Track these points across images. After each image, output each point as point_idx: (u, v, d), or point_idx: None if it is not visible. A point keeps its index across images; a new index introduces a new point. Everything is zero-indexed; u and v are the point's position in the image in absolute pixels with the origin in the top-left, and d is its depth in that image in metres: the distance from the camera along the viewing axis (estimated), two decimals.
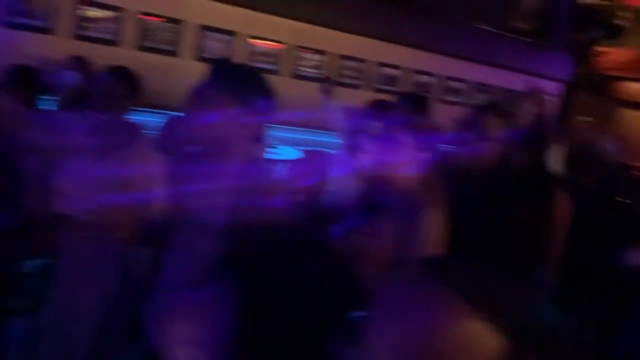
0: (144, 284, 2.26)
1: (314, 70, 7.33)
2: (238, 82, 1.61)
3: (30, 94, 2.77)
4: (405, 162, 1.76)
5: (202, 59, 6.33)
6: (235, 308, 0.80)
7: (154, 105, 3.03)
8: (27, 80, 2.77)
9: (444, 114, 4.31)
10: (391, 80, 8.02)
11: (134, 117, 2.35)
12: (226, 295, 0.82)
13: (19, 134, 2.59)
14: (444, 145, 2.97)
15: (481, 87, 9.01)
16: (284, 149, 4.76)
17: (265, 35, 6.93)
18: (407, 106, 3.41)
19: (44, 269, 3.05)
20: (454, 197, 1.71)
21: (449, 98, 8.59)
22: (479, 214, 1.96)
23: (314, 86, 7.38)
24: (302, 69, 7.27)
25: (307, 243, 0.99)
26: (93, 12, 5.93)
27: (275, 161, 3.64)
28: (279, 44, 7.05)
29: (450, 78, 8.69)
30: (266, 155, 1.89)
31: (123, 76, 2.33)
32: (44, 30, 5.66)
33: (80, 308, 2.26)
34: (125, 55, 5.63)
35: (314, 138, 5.62)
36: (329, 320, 0.81)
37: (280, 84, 1.67)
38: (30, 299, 2.99)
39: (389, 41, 7.75)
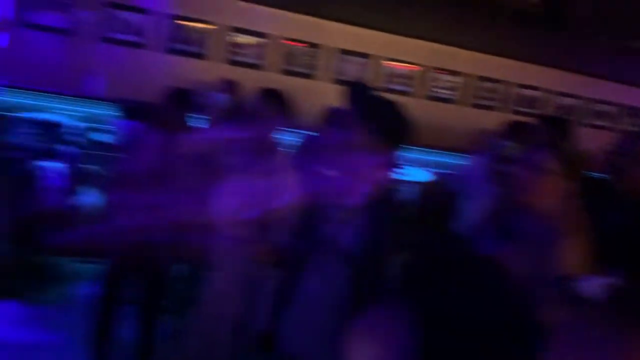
0: (271, 302, 2.37)
1: (449, 92, 7.23)
2: (372, 109, 1.62)
3: (185, 113, 3.01)
4: (542, 186, 1.68)
5: (339, 82, 6.54)
6: (415, 330, 0.81)
7: (294, 126, 3.19)
8: (183, 101, 2.99)
9: (590, 139, 4.01)
10: (531, 102, 7.63)
11: (279, 137, 2.46)
12: (406, 317, 0.83)
13: (175, 149, 2.87)
14: (589, 171, 2.76)
15: (632, 111, 8.24)
16: (415, 170, 4.73)
17: (401, 57, 6.98)
18: (548, 129, 3.22)
19: (191, 273, 3.31)
20: (608, 224, 1.59)
21: (596, 122, 7.96)
22: (635, 240, 1.80)
23: (449, 108, 7.31)
24: (437, 90, 7.20)
25: (480, 262, 0.97)
26: (242, 39, 6.40)
27: (406, 183, 3.63)
28: (414, 66, 7.05)
29: (597, 101, 8.06)
30: (397, 177, 1.88)
31: (274, 97, 2.42)
32: (198, 56, 6.22)
33: (222, 314, 2.41)
34: (269, 79, 6.00)
35: (447, 160, 5.51)
36: (508, 344, 0.79)
37: (414, 105, 1.67)
38: (178, 300, 3.26)
39: (528, 62, 7.40)
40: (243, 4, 6.29)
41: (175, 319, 3.26)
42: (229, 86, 4.35)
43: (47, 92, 4.69)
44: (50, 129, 4.27)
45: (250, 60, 6.38)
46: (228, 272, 2.41)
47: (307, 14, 6.50)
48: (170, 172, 2.84)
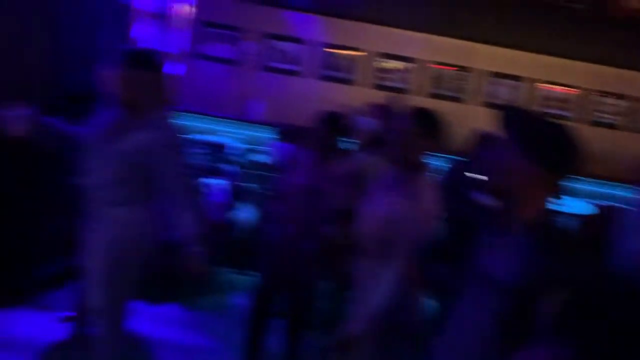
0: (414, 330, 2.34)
1: (614, 117, 6.64)
2: (534, 134, 1.52)
3: (337, 136, 3.14)
4: None
5: (490, 105, 6.37)
6: None
7: (443, 149, 3.17)
8: (335, 124, 3.12)
9: None
10: None
11: (427, 159, 2.43)
12: (565, 355, 0.81)
13: (327, 170, 3.00)
14: None
15: None
16: (576, 201, 4.40)
17: (558, 80, 6.59)
18: None
19: (336, 291, 3.41)
20: None
21: None
22: None
23: (613, 134, 6.71)
24: (600, 115, 6.66)
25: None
26: (389, 64, 6.52)
27: (567, 215, 3.39)
28: (572, 89, 6.61)
29: None
30: (557, 208, 1.75)
31: (425, 118, 2.40)
32: (348, 82, 6.46)
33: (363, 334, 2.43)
34: (417, 103, 6.02)
35: (610, 191, 5.07)
36: None
37: (574, 131, 1.55)
38: (321, 317, 3.37)
39: None
40: (391, 29, 6.42)
41: (322, 335, 3.36)
42: (377, 110, 4.44)
43: (214, 116, 5.17)
44: (216, 149, 4.70)
45: (398, 85, 6.47)
46: (369, 293, 2.43)
47: (456, 37, 6.44)
48: (322, 191, 2.97)
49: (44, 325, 3.33)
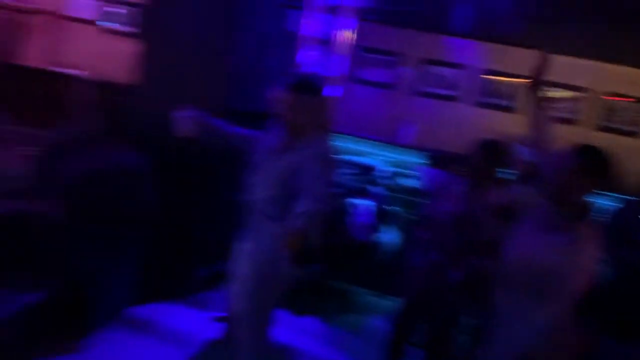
0: None
1: None
2: None
3: (493, 165, 3.01)
4: None
5: None
6: None
7: (613, 189, 2.87)
8: (493, 152, 3.00)
9: None
10: None
11: (592, 201, 2.23)
12: None
13: (479, 199, 2.90)
14: None
15: None
16: None
17: None
18: None
19: (476, 324, 3.25)
20: None
21: None
22: None
23: None
24: None
25: None
26: (555, 93, 6.15)
27: None
28: None
29: None
30: None
31: (591, 155, 2.24)
32: (508, 109, 6.21)
33: None
34: (584, 135, 5.61)
35: None
36: None
37: None
38: (461, 350, 3.23)
39: None
40: (558, 56, 6.05)
41: None
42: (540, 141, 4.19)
43: (366, 138, 5.28)
44: (365, 170, 4.78)
45: (564, 115, 6.08)
46: (516, 332, 2.27)
47: (634, 66, 5.88)
48: (472, 221, 2.87)
49: (198, 322, 3.62)
